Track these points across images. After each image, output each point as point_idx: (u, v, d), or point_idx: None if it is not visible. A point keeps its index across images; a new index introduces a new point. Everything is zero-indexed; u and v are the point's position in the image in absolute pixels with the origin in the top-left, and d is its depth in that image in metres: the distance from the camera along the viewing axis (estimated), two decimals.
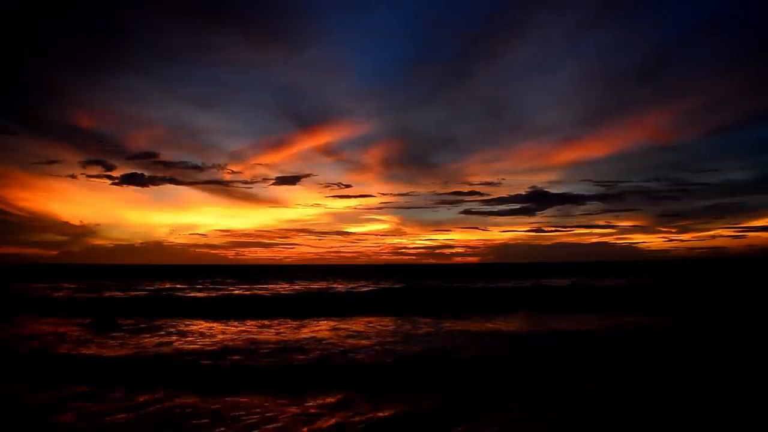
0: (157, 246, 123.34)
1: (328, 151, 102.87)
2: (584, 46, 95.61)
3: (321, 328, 15.47)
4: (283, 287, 39.32)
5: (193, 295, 31.36)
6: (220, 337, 13.94)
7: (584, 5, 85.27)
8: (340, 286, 41.14)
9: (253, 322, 17.10)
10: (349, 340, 12.96)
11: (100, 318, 16.31)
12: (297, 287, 39.29)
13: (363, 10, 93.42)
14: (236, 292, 33.87)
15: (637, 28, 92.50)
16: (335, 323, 16.58)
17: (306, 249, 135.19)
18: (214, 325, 16.72)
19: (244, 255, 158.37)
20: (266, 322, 17.01)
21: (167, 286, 40.63)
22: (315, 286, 41.23)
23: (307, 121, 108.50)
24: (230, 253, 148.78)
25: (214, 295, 30.97)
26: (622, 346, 12.19)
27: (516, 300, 24.79)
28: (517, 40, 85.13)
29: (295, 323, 16.81)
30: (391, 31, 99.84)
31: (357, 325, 16.23)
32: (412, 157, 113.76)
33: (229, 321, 17.63)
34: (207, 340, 13.25)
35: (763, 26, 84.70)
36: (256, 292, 33.76)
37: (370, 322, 16.79)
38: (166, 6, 79.10)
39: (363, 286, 40.54)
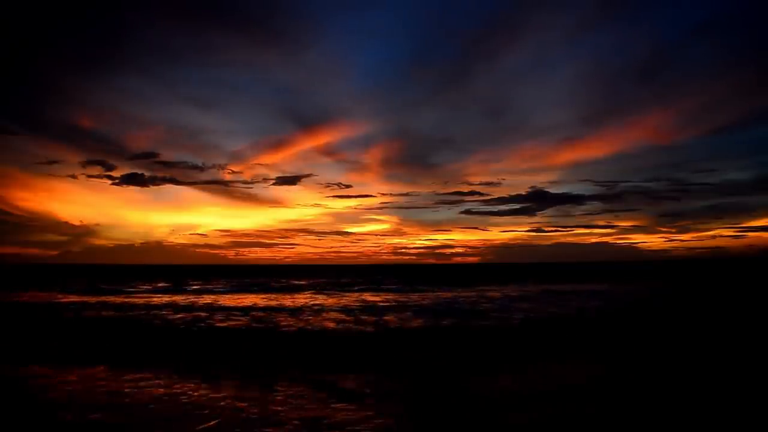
0: (157, 246, 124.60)
1: (328, 151, 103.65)
2: (584, 46, 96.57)
3: None
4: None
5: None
6: None
7: (584, 5, 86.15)
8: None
9: None
10: None
11: None
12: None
13: (362, 11, 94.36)
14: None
15: (637, 28, 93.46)
16: None
17: (306, 249, 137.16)
18: None
19: (244, 255, 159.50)
20: None
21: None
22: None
23: (307, 121, 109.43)
24: (230, 253, 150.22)
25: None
26: None
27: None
28: (517, 40, 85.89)
29: None
30: (390, 32, 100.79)
31: None
32: (412, 157, 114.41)
33: None
34: None
35: (763, 26, 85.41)
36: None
37: None
38: (168, 8, 79.71)
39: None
